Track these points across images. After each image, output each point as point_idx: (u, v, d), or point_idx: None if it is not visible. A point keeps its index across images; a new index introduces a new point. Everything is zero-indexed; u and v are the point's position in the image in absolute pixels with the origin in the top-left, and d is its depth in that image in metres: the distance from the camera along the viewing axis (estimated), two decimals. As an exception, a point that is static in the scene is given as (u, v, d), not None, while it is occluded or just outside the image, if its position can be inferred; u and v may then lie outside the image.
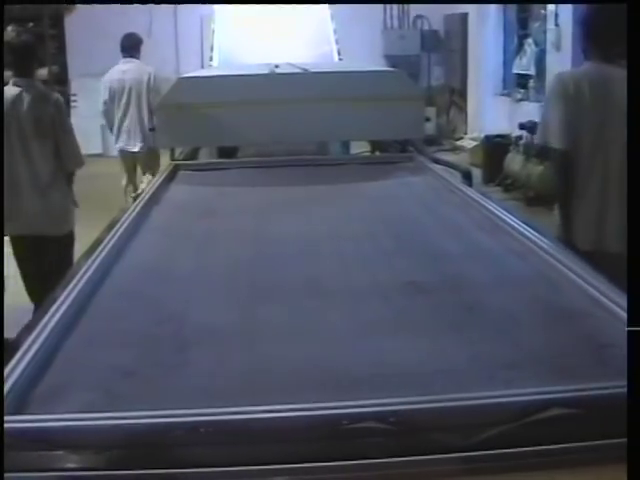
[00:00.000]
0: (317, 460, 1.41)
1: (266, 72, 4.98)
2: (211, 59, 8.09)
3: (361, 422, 1.45)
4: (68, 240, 4.78)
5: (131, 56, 7.99)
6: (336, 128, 4.70)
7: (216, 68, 7.15)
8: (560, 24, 9.26)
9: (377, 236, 3.02)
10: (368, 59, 11.45)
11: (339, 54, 8.19)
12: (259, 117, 4.55)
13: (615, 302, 2.08)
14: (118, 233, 2.91)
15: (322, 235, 3.07)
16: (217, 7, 8.87)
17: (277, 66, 5.39)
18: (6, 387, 1.64)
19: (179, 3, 12.40)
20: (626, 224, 2.72)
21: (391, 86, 4.73)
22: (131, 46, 8.01)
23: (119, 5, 12.20)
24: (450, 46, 13.61)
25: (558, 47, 9.36)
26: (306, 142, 4.99)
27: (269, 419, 1.46)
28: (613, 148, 3.62)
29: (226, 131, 4.62)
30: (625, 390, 1.50)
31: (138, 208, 3.37)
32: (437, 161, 4.72)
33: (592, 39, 3.78)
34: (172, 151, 5.11)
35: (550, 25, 9.61)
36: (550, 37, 9.61)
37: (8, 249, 4.78)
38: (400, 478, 1.42)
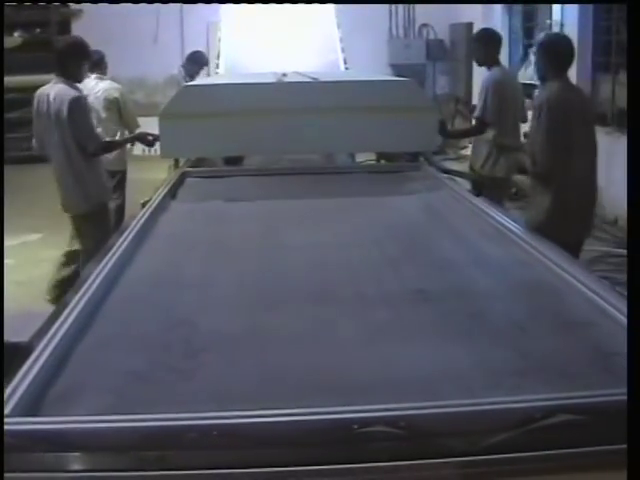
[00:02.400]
0: (327, 463, 1.44)
1: (274, 80, 4.90)
2: (217, 66, 8.14)
3: (371, 426, 1.47)
4: None
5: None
6: (346, 139, 4.60)
7: (222, 76, 7.12)
8: (566, 34, 9.27)
9: (384, 245, 3.04)
10: (374, 68, 11.46)
11: (345, 63, 8.21)
12: (266, 127, 4.44)
13: (619, 310, 2.11)
14: (127, 240, 2.94)
15: (330, 245, 3.07)
16: (224, 14, 8.91)
17: (285, 74, 5.31)
18: (20, 389, 1.67)
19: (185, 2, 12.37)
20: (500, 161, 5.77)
21: (403, 96, 4.62)
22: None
23: (126, 11, 12.25)
24: (455, 55, 13.63)
25: (563, 57, 9.37)
26: (315, 153, 4.82)
27: (280, 422, 1.49)
28: (515, 116, 5.87)
29: (232, 141, 4.50)
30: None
31: (147, 215, 3.40)
32: (446, 170, 4.73)
33: (494, 53, 6.00)
34: (176, 161, 5.09)
35: (556, 35, 9.63)
36: (555, 47, 9.61)
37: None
38: None
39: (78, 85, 5.21)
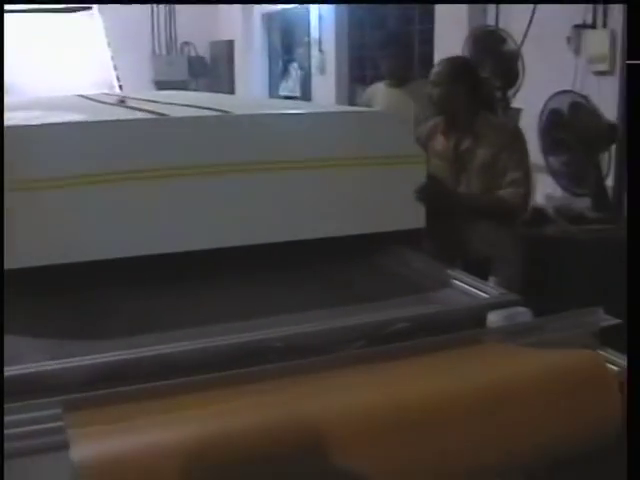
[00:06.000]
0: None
1: (127, 117, 2.99)
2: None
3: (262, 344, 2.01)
4: None
5: None
6: (293, 217, 2.80)
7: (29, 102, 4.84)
8: (324, 50, 10.05)
9: None
10: (138, 85, 11.69)
11: (119, 80, 8.40)
12: (147, 202, 2.58)
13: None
14: None
15: None
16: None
17: (123, 101, 3.53)
18: None
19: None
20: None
21: (379, 138, 2.85)
22: None
23: None
24: (217, 72, 14.17)
25: (322, 71, 10.15)
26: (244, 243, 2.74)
27: (200, 348, 2.04)
28: None
29: (89, 237, 2.54)
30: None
31: None
32: None
33: None
34: None
35: (314, 51, 10.39)
36: (315, 62, 10.37)
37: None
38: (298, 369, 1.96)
39: None
